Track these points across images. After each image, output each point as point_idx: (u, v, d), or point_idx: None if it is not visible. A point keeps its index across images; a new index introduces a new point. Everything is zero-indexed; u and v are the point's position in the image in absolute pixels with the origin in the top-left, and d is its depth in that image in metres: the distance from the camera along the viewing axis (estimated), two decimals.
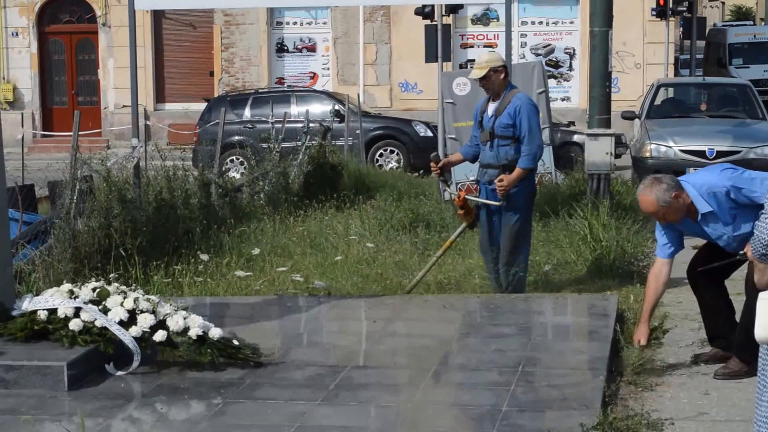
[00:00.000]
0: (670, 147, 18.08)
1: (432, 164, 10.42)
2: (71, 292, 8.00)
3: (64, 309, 7.80)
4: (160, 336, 7.73)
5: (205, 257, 11.59)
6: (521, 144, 10.03)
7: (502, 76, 10.16)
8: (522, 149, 10.00)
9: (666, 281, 8.10)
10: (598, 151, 14.65)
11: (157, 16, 32.68)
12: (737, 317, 8.17)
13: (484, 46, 32.63)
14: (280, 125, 19.06)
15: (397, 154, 25.21)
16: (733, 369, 7.89)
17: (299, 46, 33.79)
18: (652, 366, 8.12)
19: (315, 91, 29.18)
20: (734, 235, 7.78)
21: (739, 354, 7.88)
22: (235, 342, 7.95)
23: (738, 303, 8.14)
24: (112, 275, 9.93)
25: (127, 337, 7.71)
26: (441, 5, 21.30)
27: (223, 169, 18.58)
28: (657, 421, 6.82)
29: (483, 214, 10.28)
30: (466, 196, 10.30)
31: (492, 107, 10.21)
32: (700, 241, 8.39)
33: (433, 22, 22.26)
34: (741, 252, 5.13)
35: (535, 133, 10.03)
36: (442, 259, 11.02)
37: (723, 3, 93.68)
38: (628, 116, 20.65)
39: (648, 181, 7.88)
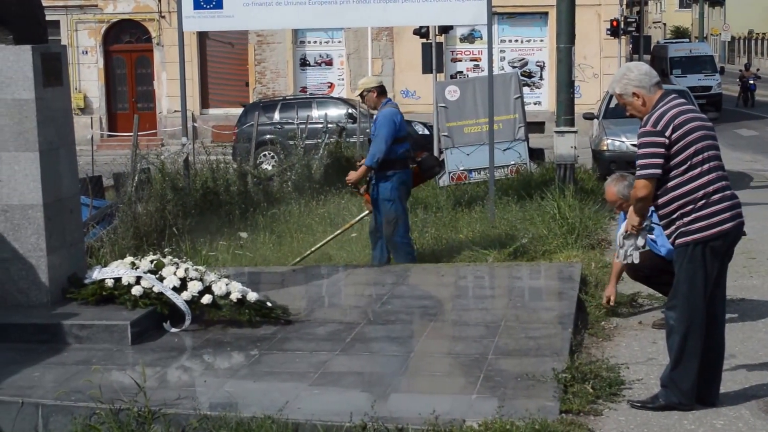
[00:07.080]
0: (623, 142, 17.97)
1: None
2: (133, 263, 7.98)
3: (127, 278, 7.78)
4: (206, 299, 7.71)
5: (244, 235, 11.55)
6: None
7: (375, 94, 10.08)
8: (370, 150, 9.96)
9: None
10: (564, 145, 14.59)
11: (202, 36, 32.60)
12: None
13: (470, 60, 32.68)
14: (303, 126, 18.99)
15: None
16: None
17: (319, 61, 33.67)
18: (609, 322, 8.10)
19: (332, 97, 29.06)
20: None
21: None
22: (269, 304, 7.92)
23: None
24: (166, 250, 9.90)
25: (179, 300, 7.69)
26: (435, 27, 21.19)
27: (258, 162, 18.55)
28: (615, 366, 6.78)
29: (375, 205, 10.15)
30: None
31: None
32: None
33: (429, 41, 22.16)
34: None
35: (378, 139, 9.84)
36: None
37: (664, 24, 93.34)
38: (589, 117, 20.58)
39: (615, 177, 7.92)
